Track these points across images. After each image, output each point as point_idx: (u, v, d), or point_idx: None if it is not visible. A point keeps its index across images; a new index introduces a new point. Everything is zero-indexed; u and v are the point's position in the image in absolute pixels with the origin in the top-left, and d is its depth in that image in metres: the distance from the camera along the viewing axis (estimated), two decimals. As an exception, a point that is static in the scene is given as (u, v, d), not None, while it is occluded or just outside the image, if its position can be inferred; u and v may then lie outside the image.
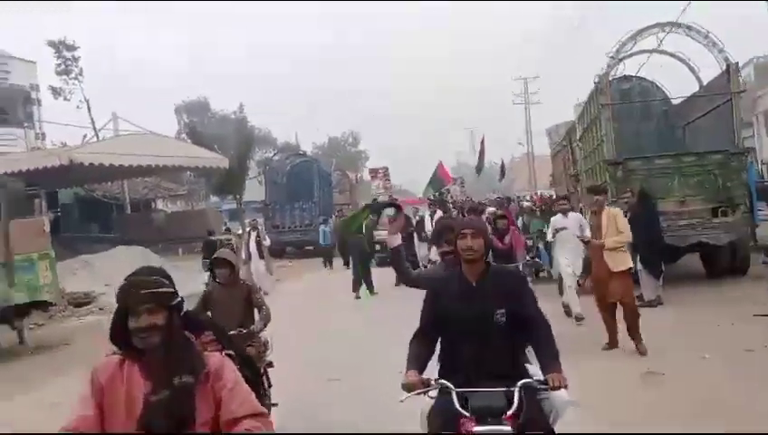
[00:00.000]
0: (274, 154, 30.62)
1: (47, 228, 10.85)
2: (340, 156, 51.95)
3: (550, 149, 26.81)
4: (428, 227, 14.99)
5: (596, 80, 11.45)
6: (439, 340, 3.33)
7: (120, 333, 2.42)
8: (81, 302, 14.77)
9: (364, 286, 14.14)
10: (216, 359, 2.49)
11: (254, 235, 15.41)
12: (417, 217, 17.05)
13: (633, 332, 7.32)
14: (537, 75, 49.71)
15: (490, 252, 3.47)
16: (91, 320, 13.78)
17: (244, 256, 14.77)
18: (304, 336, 9.70)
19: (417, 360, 3.20)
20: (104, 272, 17.46)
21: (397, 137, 73.10)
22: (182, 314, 2.51)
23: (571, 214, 9.50)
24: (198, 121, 42.93)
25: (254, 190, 41.53)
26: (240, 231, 29.26)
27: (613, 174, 10.98)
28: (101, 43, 65.03)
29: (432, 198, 22.14)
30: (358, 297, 13.96)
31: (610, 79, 12.71)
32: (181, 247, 25.99)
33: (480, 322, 3.16)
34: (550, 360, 3.09)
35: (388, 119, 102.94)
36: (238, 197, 34.98)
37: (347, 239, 19.12)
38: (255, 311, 5.33)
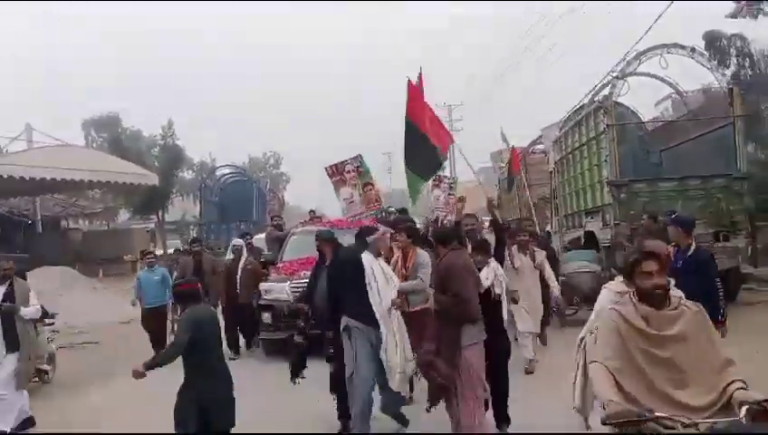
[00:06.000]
0: (212, 172, 28.84)
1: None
2: (261, 176, 50.14)
3: (496, 173, 26.82)
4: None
5: (600, 100, 11.16)
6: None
7: None
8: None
9: None
10: None
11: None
12: None
13: None
14: (461, 103, 49.68)
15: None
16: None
17: None
18: None
19: None
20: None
21: (309, 153, 71.32)
22: None
23: None
24: (108, 137, 40.25)
25: (173, 211, 39.24)
26: (160, 251, 27.35)
27: (617, 195, 10.70)
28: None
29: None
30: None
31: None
32: (102, 268, 23.89)
33: None
34: None
35: (301, 136, 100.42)
36: (160, 216, 33.01)
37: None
38: None
